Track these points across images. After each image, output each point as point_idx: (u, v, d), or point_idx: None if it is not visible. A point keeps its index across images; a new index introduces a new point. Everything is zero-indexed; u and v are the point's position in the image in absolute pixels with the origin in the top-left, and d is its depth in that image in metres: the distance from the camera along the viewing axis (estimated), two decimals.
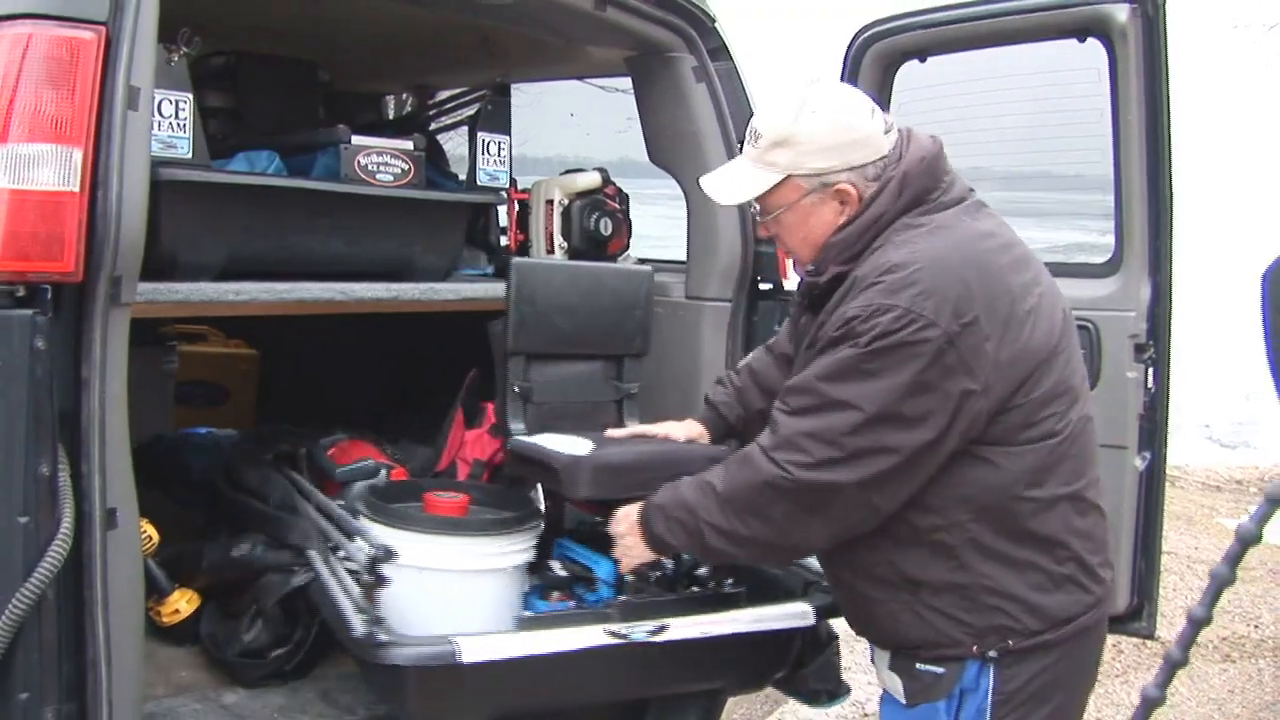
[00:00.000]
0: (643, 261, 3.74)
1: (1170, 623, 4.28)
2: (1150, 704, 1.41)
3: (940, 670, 2.00)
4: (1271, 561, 6.32)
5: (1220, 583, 1.49)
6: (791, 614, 2.37)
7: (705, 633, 2.31)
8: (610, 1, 2.96)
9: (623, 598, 2.35)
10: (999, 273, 1.94)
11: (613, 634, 2.23)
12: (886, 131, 2.03)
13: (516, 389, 2.72)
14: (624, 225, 3.54)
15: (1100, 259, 3.05)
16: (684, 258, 3.53)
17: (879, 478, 1.89)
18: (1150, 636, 3.17)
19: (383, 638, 2.05)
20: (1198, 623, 1.49)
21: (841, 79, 3.33)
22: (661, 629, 2.26)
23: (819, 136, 1.99)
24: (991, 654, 1.96)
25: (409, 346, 3.94)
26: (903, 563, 1.99)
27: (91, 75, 1.86)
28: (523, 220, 3.44)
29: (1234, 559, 1.48)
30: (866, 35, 3.26)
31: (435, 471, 2.98)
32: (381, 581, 2.06)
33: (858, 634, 2.23)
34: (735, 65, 3.30)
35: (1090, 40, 2.91)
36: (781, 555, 2.08)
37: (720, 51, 3.27)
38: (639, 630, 2.25)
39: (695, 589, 2.45)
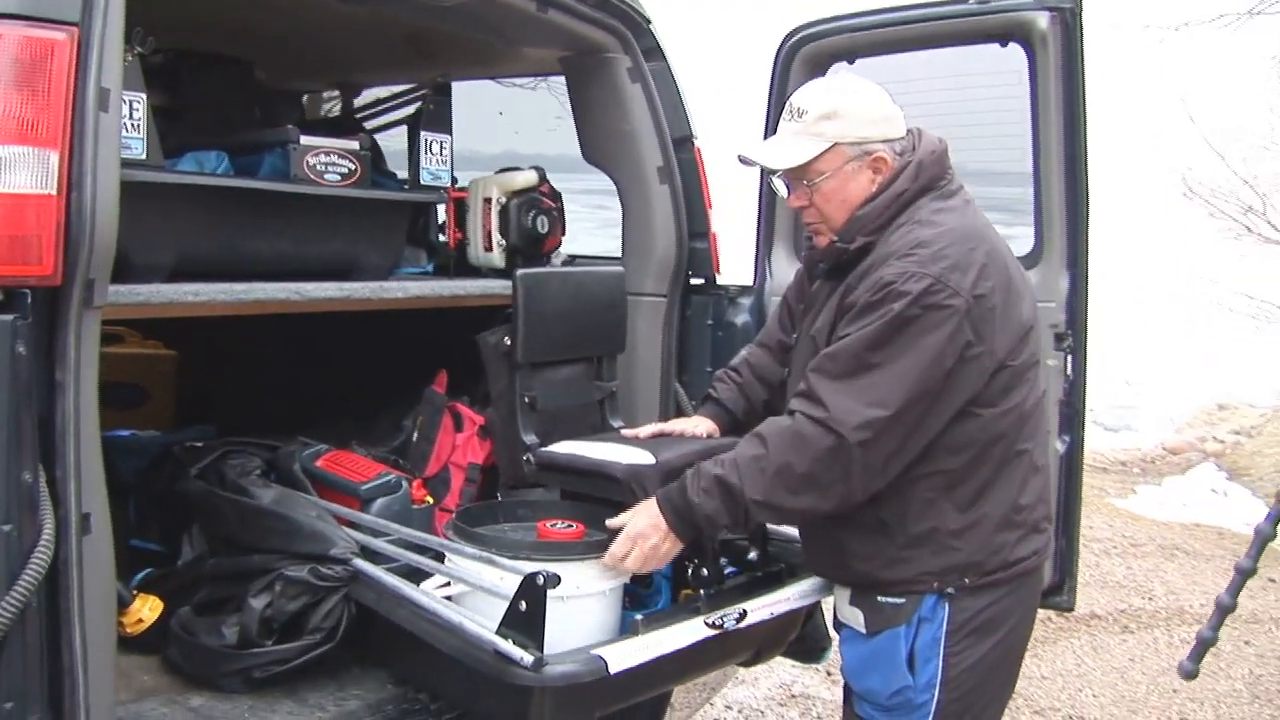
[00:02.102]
0: (573, 259, 3.80)
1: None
2: (1189, 676, 1.77)
3: (901, 601, 2.24)
4: (1160, 538, 6.66)
5: (1244, 574, 1.82)
6: (817, 587, 2.54)
7: (772, 613, 2.47)
8: (551, 3, 3.01)
9: (703, 591, 2.45)
10: (1002, 255, 2.23)
11: (711, 625, 2.34)
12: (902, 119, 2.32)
13: (526, 399, 2.76)
14: (559, 223, 3.58)
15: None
16: (603, 253, 3.62)
17: (911, 431, 2.12)
18: (1070, 609, 3.35)
19: (544, 659, 2.08)
20: (1225, 609, 1.85)
21: (772, 80, 3.43)
22: (744, 615, 2.40)
23: (861, 110, 2.25)
24: (950, 590, 2.22)
25: (329, 345, 3.92)
26: (884, 510, 2.21)
27: (66, 76, 1.83)
28: (460, 218, 3.45)
29: (1255, 555, 1.80)
30: (796, 38, 3.36)
31: (426, 476, 2.99)
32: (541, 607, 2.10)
33: (819, 573, 2.49)
34: (669, 65, 3.38)
35: (1012, 45, 3.07)
36: (818, 516, 2.24)
37: (654, 52, 3.35)
38: (729, 619, 2.37)
39: (746, 573, 2.58)
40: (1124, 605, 5.53)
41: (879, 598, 2.26)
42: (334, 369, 4.06)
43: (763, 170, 2.89)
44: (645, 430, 2.73)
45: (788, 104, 2.31)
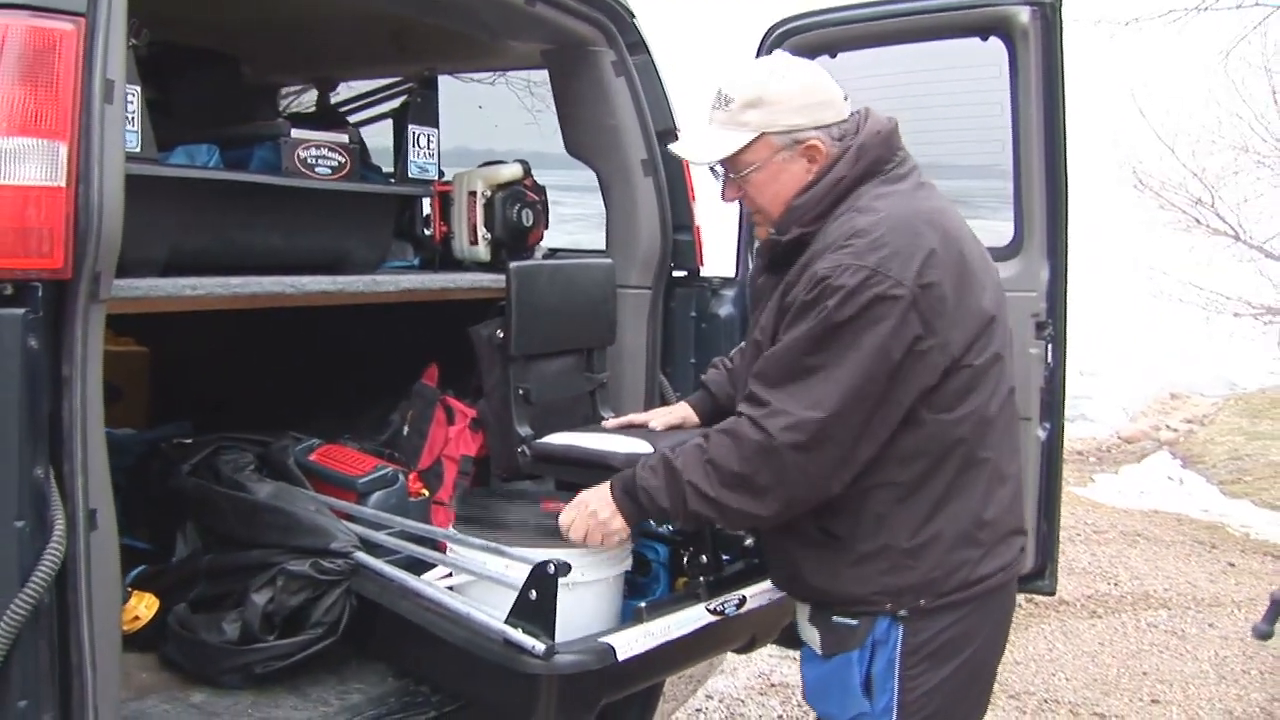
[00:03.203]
0: (554, 252, 3.81)
1: None
2: (1264, 637, 1.99)
3: (854, 623, 2.12)
4: (1121, 525, 6.79)
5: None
6: None
7: (770, 599, 2.47)
8: None
9: (702, 578, 2.47)
10: (955, 239, 2.07)
11: (712, 611, 2.35)
12: (845, 99, 2.17)
13: (520, 391, 2.76)
14: (543, 216, 3.58)
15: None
16: (581, 246, 3.65)
17: (857, 435, 1.99)
18: (1051, 593, 3.41)
19: (555, 647, 2.08)
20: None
21: None
22: (743, 601, 2.41)
23: (790, 96, 2.10)
24: (903, 613, 2.07)
25: (307, 340, 3.90)
26: (832, 523, 2.09)
27: (74, 68, 1.82)
28: (445, 212, 3.44)
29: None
30: (779, 31, 3.38)
31: (419, 469, 2.98)
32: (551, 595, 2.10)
33: (779, 587, 2.37)
34: (652, 59, 3.39)
35: (993, 39, 3.11)
36: (762, 522, 2.17)
37: (638, 46, 3.36)
38: (730, 605, 2.38)
39: (742, 560, 2.59)
40: (1091, 591, 5.64)
41: (834, 617, 2.15)
42: (312, 364, 4.04)
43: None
44: (617, 422, 2.72)
45: (717, 89, 2.15)
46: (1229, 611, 5.36)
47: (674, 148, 2.28)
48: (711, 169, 2.23)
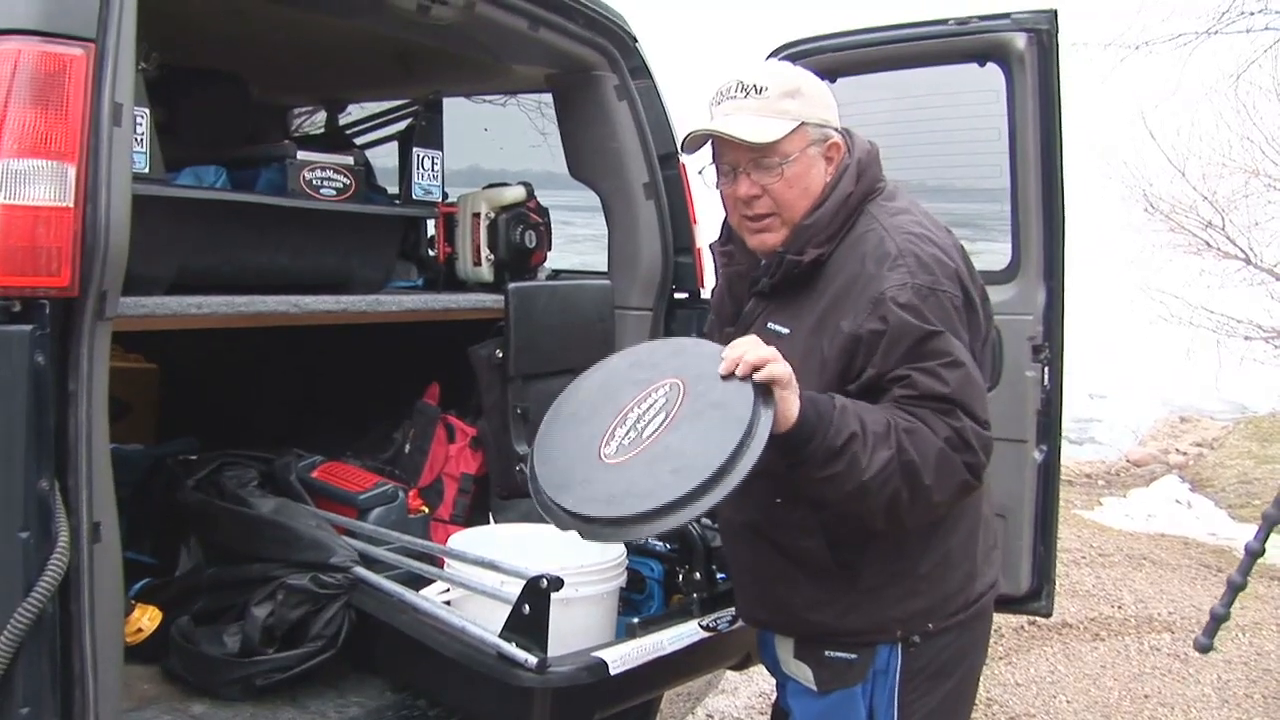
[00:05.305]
0: (557, 273, 3.86)
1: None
2: (1204, 650, 1.98)
3: (853, 656, 2.06)
4: (1127, 548, 6.78)
5: (1236, 589, 2.02)
6: None
7: None
8: (543, 23, 3.07)
9: (695, 595, 2.52)
10: (964, 254, 2.09)
11: (705, 628, 2.39)
12: None
13: (518, 410, 2.80)
14: (545, 238, 3.63)
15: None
16: (568, 268, 3.70)
17: None
18: (1048, 615, 3.42)
19: (547, 661, 2.12)
20: (1236, 587, 2.08)
21: None
22: (736, 618, 2.42)
23: (822, 92, 2.08)
24: (915, 638, 2.04)
25: (312, 359, 3.95)
26: (849, 553, 2.03)
27: (83, 92, 1.87)
28: (449, 233, 3.49)
29: (1245, 570, 2.00)
30: (781, 57, 3.43)
31: (420, 487, 3.03)
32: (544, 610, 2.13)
33: (761, 624, 2.26)
34: (654, 83, 3.45)
35: (990, 65, 3.16)
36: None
37: (640, 70, 3.42)
38: (722, 621, 2.42)
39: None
40: (1094, 614, 5.63)
41: (827, 652, 2.08)
42: (316, 382, 4.09)
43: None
44: None
45: (737, 81, 2.03)
46: (1233, 636, 5.34)
47: (721, 127, 2.00)
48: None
